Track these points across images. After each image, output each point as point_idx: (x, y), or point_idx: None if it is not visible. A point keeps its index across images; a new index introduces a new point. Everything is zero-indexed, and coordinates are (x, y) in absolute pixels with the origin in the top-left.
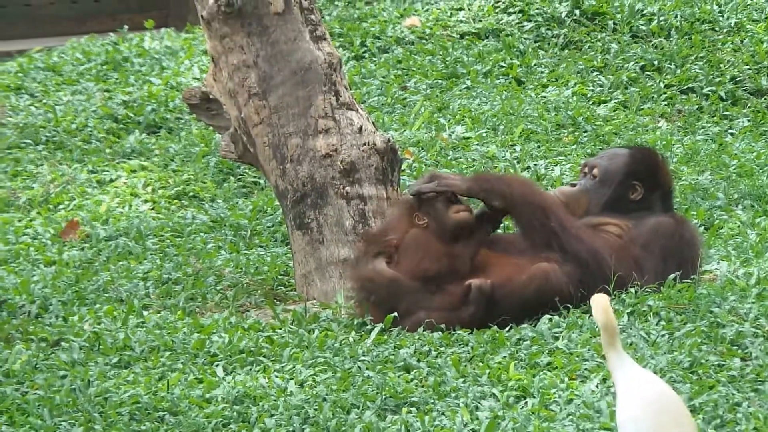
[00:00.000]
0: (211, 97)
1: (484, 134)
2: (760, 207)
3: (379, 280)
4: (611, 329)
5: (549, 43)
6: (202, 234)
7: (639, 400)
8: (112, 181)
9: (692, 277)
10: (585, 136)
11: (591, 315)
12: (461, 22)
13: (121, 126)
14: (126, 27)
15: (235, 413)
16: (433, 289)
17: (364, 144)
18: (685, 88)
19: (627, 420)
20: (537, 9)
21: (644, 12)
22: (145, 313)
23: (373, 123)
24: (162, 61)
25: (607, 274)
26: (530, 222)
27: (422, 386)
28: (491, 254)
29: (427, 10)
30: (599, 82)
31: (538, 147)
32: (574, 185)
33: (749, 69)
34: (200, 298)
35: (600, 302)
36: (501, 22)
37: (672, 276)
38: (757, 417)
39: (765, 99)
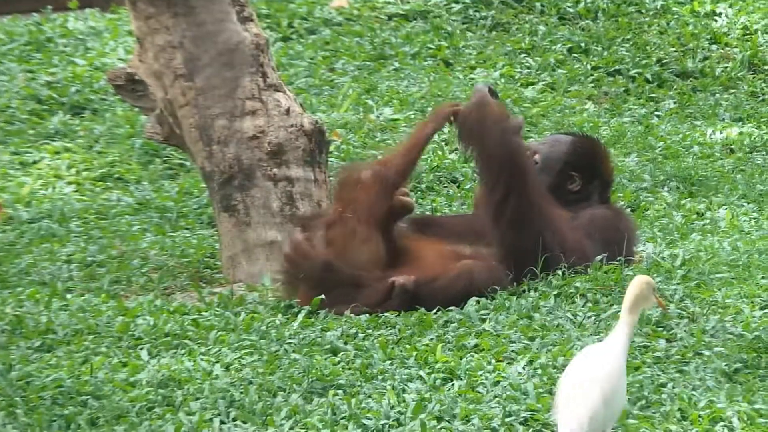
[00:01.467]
0: (136, 78)
1: (412, 116)
2: (685, 189)
3: (314, 259)
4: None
5: (477, 25)
6: (127, 216)
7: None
8: (35, 162)
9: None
10: None
11: (519, 297)
12: (389, 3)
13: (45, 107)
14: (50, 7)
15: (159, 397)
16: (361, 280)
17: (292, 126)
18: (611, 70)
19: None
20: None
21: None
22: (68, 296)
23: (300, 104)
24: (86, 41)
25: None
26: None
27: (349, 369)
28: (422, 240)
29: None
30: (527, 64)
31: None
32: None
33: (675, 51)
34: (125, 280)
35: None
36: (429, 3)
37: (599, 257)
38: (682, 398)
39: (691, 81)
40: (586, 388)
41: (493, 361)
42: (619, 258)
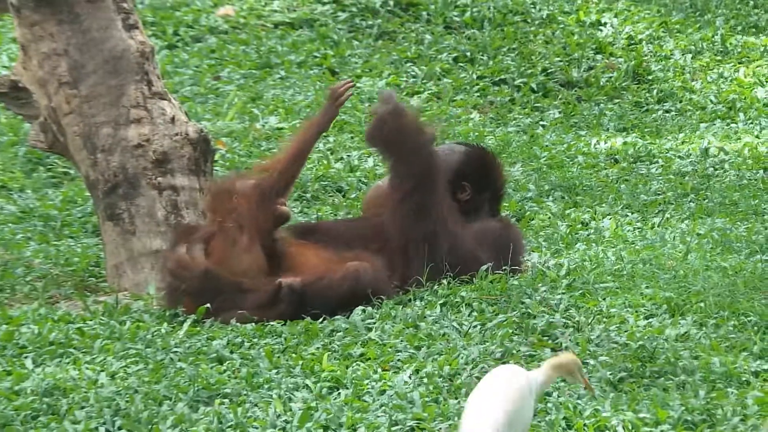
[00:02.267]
0: (20, 85)
1: (298, 125)
2: (570, 198)
3: (194, 269)
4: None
5: (363, 34)
6: (10, 224)
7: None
8: None
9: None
10: None
11: (405, 306)
12: (275, 11)
13: None
14: None
15: (44, 405)
16: (245, 286)
17: (177, 134)
18: (497, 79)
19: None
20: None
21: (458, 3)
22: None
23: (185, 113)
24: None
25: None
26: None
27: (235, 377)
28: (306, 247)
29: None
30: (413, 73)
31: (352, 138)
32: None
33: (560, 61)
34: (9, 289)
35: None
36: (315, 12)
37: (484, 267)
38: (567, 407)
39: (576, 91)
40: (492, 402)
41: (380, 370)
42: (505, 268)
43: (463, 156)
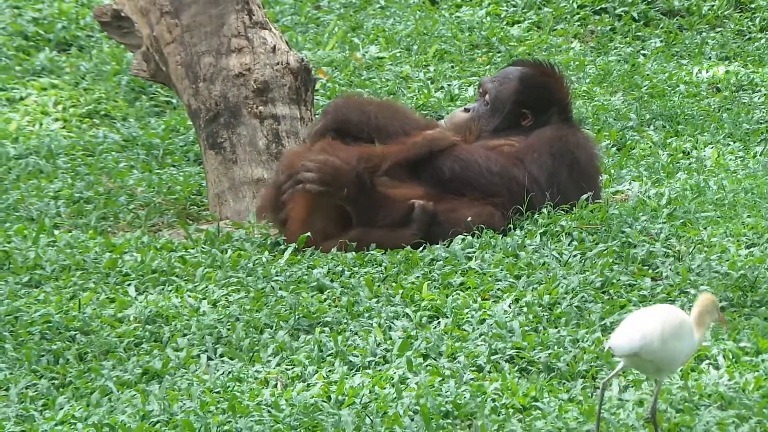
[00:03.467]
0: (122, 15)
1: (398, 54)
2: (671, 127)
3: (348, 172)
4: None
5: None
6: (113, 153)
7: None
8: (21, 99)
9: (581, 180)
10: (498, 57)
11: (505, 236)
12: None
13: (31, 43)
14: None
15: (147, 333)
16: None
17: (278, 63)
18: (597, 8)
19: None
20: None
21: None
22: (56, 232)
23: (286, 42)
24: None
25: (514, 187)
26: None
27: (335, 306)
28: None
29: None
30: (513, 2)
31: (452, 67)
32: (467, 110)
33: None
34: (112, 217)
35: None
36: None
37: (585, 196)
38: None
39: (677, 20)
40: (650, 317)
41: (479, 299)
42: (572, 167)
43: (519, 83)
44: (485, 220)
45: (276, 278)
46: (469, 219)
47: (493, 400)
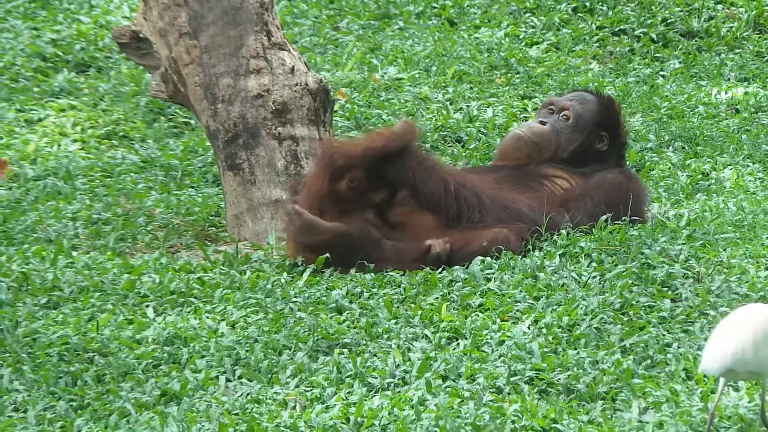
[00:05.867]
0: (141, 36)
1: (417, 75)
2: (690, 149)
3: (324, 232)
4: None
5: None
6: (132, 174)
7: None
8: (40, 120)
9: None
10: (517, 78)
11: (524, 257)
12: None
13: (50, 65)
14: None
15: (165, 354)
16: (385, 243)
17: (296, 84)
18: (616, 29)
19: None
20: None
21: None
22: (74, 253)
23: (305, 63)
24: None
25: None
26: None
27: (354, 327)
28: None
29: None
30: (531, 24)
31: (471, 88)
32: (543, 123)
33: (680, 11)
34: (130, 238)
35: None
36: None
37: (604, 218)
38: (687, 357)
39: (696, 41)
40: (737, 326)
41: (498, 320)
42: (624, 218)
43: (599, 105)
44: (501, 243)
45: (295, 299)
46: (485, 243)
47: (513, 422)
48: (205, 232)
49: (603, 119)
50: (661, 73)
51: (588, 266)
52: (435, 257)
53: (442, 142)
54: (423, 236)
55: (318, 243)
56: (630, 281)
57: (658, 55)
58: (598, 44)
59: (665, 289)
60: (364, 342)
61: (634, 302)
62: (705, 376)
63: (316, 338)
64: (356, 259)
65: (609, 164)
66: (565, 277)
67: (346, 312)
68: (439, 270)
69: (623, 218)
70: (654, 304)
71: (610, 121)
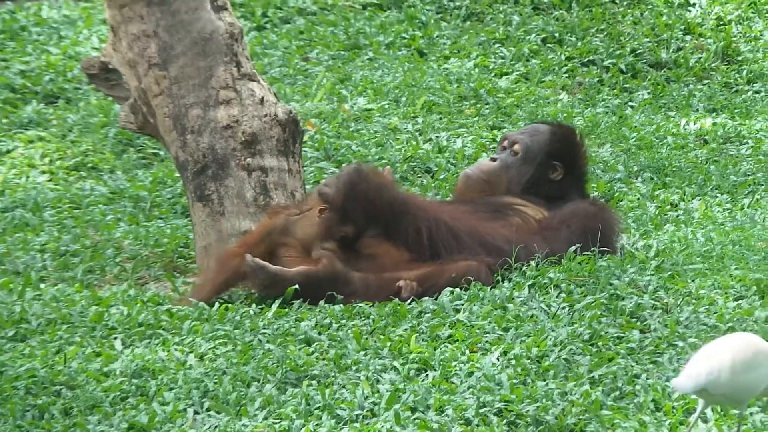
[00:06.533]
0: (110, 67)
1: (387, 106)
2: (659, 179)
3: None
4: None
5: (451, 15)
6: (100, 206)
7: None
8: (8, 151)
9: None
10: (487, 108)
11: (493, 288)
12: None
13: (18, 96)
14: None
15: (133, 387)
16: (351, 281)
17: (266, 115)
18: (585, 60)
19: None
20: None
21: None
22: (42, 285)
23: (274, 94)
24: (60, 30)
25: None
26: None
27: (323, 359)
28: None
29: None
30: (501, 54)
31: (440, 119)
32: (494, 159)
33: (649, 42)
34: (99, 270)
35: None
36: None
37: (573, 248)
38: (656, 389)
39: (664, 72)
40: (718, 349)
41: (467, 351)
42: (598, 248)
43: (551, 135)
44: (471, 275)
45: (263, 331)
46: (454, 275)
47: None
48: (174, 263)
49: (554, 149)
50: (630, 103)
51: (557, 297)
52: (405, 299)
53: (412, 172)
54: (393, 268)
55: (284, 290)
56: (599, 312)
57: (627, 85)
58: (567, 75)
59: (634, 320)
60: (333, 374)
61: (603, 333)
62: (674, 407)
63: (284, 370)
64: (325, 296)
65: (570, 193)
66: (534, 308)
67: (315, 343)
68: (408, 301)
69: (598, 247)
70: (623, 335)
71: (564, 151)
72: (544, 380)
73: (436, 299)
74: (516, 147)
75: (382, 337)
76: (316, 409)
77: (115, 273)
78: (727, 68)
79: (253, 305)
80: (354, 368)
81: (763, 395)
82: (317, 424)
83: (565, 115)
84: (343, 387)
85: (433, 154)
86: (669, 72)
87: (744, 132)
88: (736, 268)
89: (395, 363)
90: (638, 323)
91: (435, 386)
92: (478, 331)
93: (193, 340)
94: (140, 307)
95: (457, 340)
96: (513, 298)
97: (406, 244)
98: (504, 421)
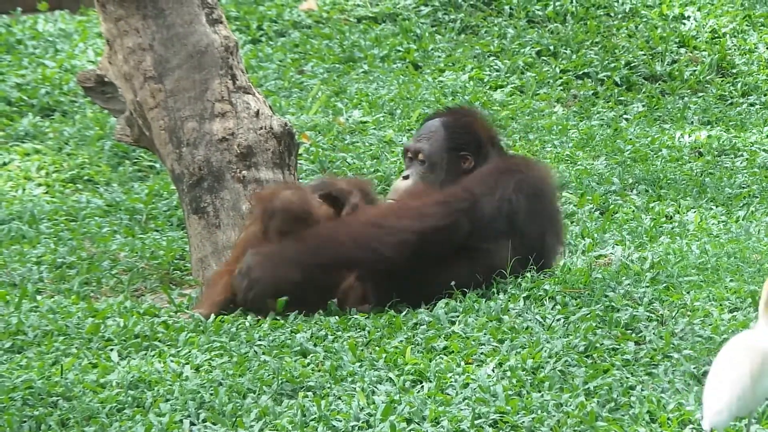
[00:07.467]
0: (106, 80)
1: (381, 118)
2: (654, 192)
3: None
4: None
5: (446, 28)
6: (96, 218)
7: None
8: (5, 164)
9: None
10: None
11: (488, 299)
12: (358, 5)
13: (15, 109)
14: (19, 9)
15: (130, 398)
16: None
17: (261, 128)
18: (580, 73)
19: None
20: None
21: None
22: (38, 297)
23: (269, 107)
24: (56, 43)
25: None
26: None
27: (319, 371)
28: None
29: None
30: (496, 67)
31: None
32: (406, 177)
33: (644, 54)
34: (95, 282)
35: None
36: (398, 6)
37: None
38: (651, 400)
39: (659, 84)
40: (733, 367)
41: (463, 363)
42: (529, 196)
43: (446, 130)
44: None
45: (259, 343)
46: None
47: None
48: (169, 275)
49: (454, 142)
50: (625, 116)
51: (552, 309)
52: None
53: None
54: None
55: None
56: (594, 324)
57: (622, 98)
58: (561, 87)
59: (629, 331)
60: (329, 385)
61: (598, 345)
62: (669, 419)
63: (280, 381)
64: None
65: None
66: (530, 320)
67: (311, 355)
68: (404, 313)
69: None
70: (618, 346)
71: (464, 138)
72: (540, 392)
73: (431, 310)
74: (420, 156)
75: (377, 348)
76: (311, 420)
77: (112, 285)
78: (722, 81)
79: (249, 317)
80: (350, 380)
81: None
82: None
83: (559, 127)
84: (339, 398)
85: None
86: (664, 85)
87: (739, 144)
88: (731, 280)
89: (391, 374)
90: (633, 335)
91: (430, 398)
92: (473, 342)
93: (189, 352)
94: (136, 319)
95: (453, 352)
96: (508, 310)
97: None
98: None
